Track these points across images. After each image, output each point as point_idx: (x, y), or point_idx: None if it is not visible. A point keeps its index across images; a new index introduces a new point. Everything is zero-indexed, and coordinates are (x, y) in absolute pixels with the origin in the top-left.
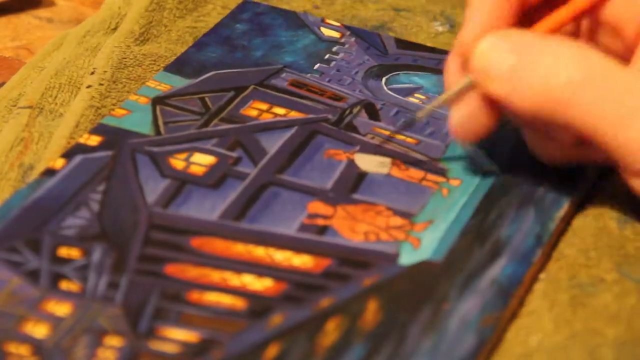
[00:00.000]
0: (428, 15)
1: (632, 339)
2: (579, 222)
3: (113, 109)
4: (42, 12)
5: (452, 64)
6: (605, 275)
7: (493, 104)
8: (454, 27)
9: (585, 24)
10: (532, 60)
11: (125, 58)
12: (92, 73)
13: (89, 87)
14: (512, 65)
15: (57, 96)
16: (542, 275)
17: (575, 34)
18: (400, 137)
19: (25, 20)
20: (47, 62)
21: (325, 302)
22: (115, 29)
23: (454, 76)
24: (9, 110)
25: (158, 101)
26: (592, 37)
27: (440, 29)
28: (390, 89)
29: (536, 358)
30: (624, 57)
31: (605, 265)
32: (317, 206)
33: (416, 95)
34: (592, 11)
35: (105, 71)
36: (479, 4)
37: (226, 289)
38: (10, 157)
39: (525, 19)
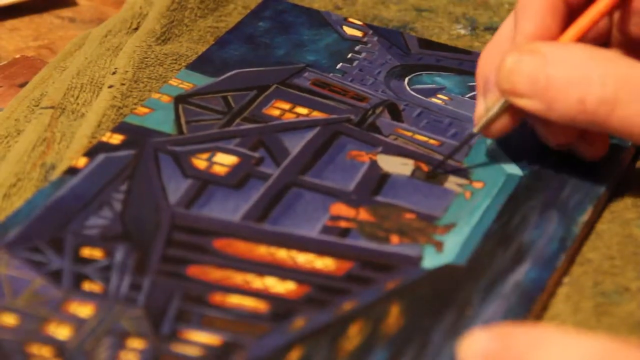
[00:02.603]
0: (450, 17)
1: None
2: (603, 226)
3: (135, 109)
4: (65, 12)
5: (489, 61)
6: (630, 284)
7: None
8: (475, 29)
9: (616, 14)
10: (562, 77)
11: (146, 58)
12: (114, 73)
13: (110, 87)
14: (542, 84)
15: (79, 96)
16: (565, 280)
17: (608, 26)
18: (423, 138)
19: (47, 19)
20: (69, 62)
21: (347, 305)
22: (136, 28)
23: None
24: (31, 110)
25: (180, 100)
26: (623, 26)
27: (463, 32)
28: (413, 90)
29: None
30: None
31: (630, 273)
32: (340, 208)
33: (439, 95)
34: (616, 5)
35: (127, 71)
36: (531, 11)
37: (249, 291)
38: (32, 157)
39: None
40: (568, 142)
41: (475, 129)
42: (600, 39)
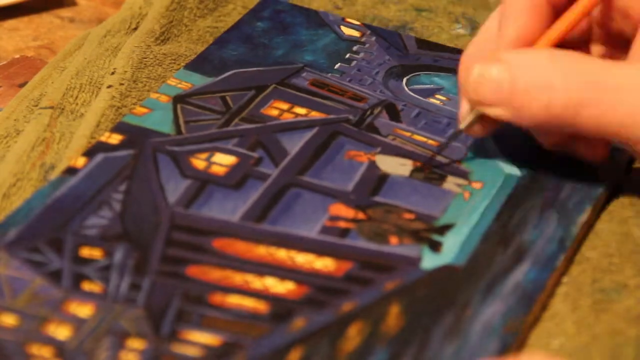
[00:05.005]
0: (450, 17)
1: None
2: (602, 225)
3: (133, 109)
4: (64, 12)
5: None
6: (628, 281)
7: None
8: (475, 29)
9: (596, 11)
10: (525, 84)
11: (145, 58)
12: (113, 73)
13: (109, 87)
14: (507, 92)
15: (78, 96)
16: (564, 279)
17: (589, 23)
18: (421, 138)
19: (47, 19)
20: (68, 62)
21: (347, 306)
22: (136, 28)
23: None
24: (30, 110)
25: (179, 100)
26: (604, 23)
27: (462, 31)
28: (411, 90)
29: None
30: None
31: (628, 271)
32: (339, 208)
33: (437, 96)
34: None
35: (126, 71)
36: (515, 12)
37: (248, 291)
38: (31, 157)
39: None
40: (561, 142)
41: (459, 127)
42: (582, 36)
